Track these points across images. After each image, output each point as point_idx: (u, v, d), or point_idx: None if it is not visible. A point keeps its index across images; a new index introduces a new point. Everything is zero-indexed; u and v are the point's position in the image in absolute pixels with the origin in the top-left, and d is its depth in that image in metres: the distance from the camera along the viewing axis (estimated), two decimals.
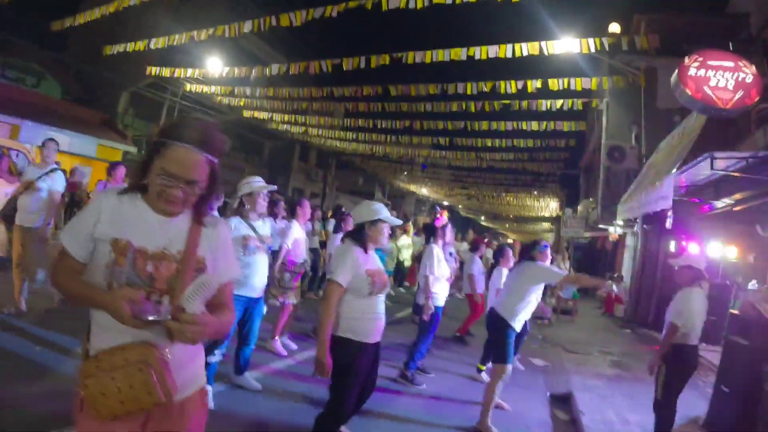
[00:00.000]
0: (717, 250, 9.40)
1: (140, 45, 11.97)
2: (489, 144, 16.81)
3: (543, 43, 8.97)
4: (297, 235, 6.17)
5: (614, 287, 14.07)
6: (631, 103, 12.47)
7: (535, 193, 27.93)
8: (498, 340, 5.10)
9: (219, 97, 18.38)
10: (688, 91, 6.40)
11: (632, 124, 12.61)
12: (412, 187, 36.64)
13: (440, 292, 6.19)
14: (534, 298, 5.18)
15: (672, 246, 10.81)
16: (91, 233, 1.71)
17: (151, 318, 1.58)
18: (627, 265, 14.43)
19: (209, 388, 4.00)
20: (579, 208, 19.23)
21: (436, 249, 6.28)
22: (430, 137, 18.66)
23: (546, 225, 39.13)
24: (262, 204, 4.61)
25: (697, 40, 7.42)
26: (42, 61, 20.28)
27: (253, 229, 4.52)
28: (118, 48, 12.78)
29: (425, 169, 29.19)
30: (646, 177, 9.42)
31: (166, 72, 15.49)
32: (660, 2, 11.95)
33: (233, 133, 26.39)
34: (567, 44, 8.96)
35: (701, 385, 6.85)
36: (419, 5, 8.12)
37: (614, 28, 12.05)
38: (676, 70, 6.60)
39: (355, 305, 3.39)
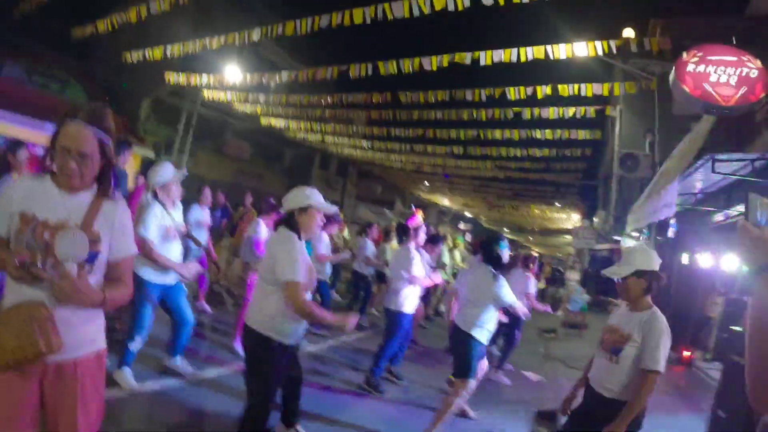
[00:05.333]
0: (732, 263, 8.83)
1: (157, 53, 12.07)
2: (504, 153, 16.47)
3: (548, 47, 8.63)
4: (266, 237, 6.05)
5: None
6: (646, 110, 11.96)
7: (557, 204, 27.38)
8: (461, 354, 4.76)
9: (236, 105, 18.47)
10: (686, 89, 5.95)
11: (646, 131, 12.13)
12: (434, 198, 36.34)
13: (411, 297, 5.89)
14: (496, 309, 4.81)
15: (685, 258, 10.27)
16: (8, 210, 2.00)
17: (31, 262, 1.87)
18: None
19: (127, 370, 4.32)
20: (595, 219, 18.66)
21: (413, 250, 5.99)
22: (444, 146, 18.38)
23: (569, 238, 38.36)
24: (176, 191, 4.67)
25: (716, 43, 6.94)
26: (67, 67, 20.73)
27: (171, 218, 4.60)
28: (137, 56, 12.94)
29: (448, 178, 28.96)
30: (656, 185, 8.96)
31: (183, 79, 15.65)
32: (677, 5, 11.47)
33: (253, 140, 26.57)
34: (574, 48, 8.57)
35: (706, 410, 6.38)
36: (425, 12, 7.89)
37: (628, 33, 11.60)
38: (674, 67, 6.18)
39: (285, 306, 3.13)
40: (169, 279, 4.55)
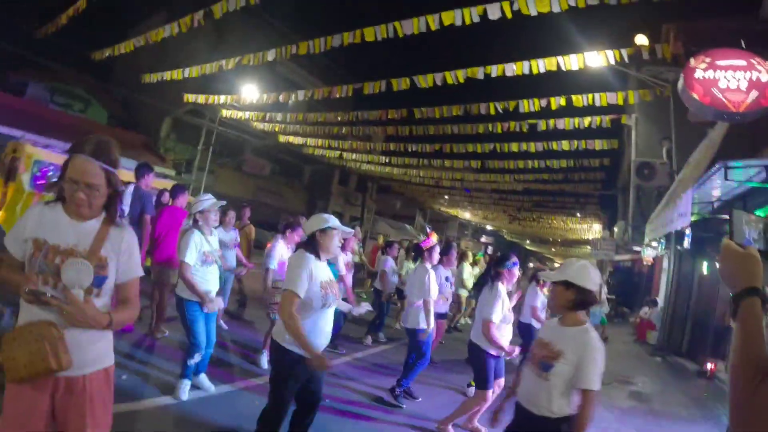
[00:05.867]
0: None
1: (176, 74, 12.30)
2: (521, 166, 16.43)
3: (560, 59, 8.60)
4: (282, 255, 6.16)
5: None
6: (662, 118, 11.77)
7: (578, 215, 27.10)
8: (476, 366, 5.05)
9: (255, 123, 18.72)
10: (695, 96, 5.84)
11: (663, 139, 11.93)
12: (454, 212, 36.24)
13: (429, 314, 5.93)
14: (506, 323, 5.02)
15: (705, 268, 10.04)
16: (23, 236, 2.16)
17: (41, 291, 2.00)
18: (663, 289, 13.56)
19: (187, 381, 4.71)
20: (615, 229, 18.39)
21: (430, 271, 6.02)
22: (462, 160, 18.39)
23: (590, 249, 37.87)
24: (214, 219, 5.05)
25: (729, 46, 6.81)
26: (89, 88, 21.29)
27: (209, 243, 4.94)
28: (156, 76, 13.19)
29: (468, 192, 28.90)
30: (673, 194, 8.82)
31: (201, 99, 15.91)
32: (689, 9, 11.25)
33: (272, 157, 26.85)
34: (586, 58, 8.52)
35: (726, 423, 6.20)
36: (432, 28, 7.93)
37: (641, 39, 11.46)
38: (682, 75, 6.09)
39: (305, 320, 3.35)
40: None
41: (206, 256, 4.84)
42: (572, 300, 2.94)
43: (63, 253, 2.10)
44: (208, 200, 5.01)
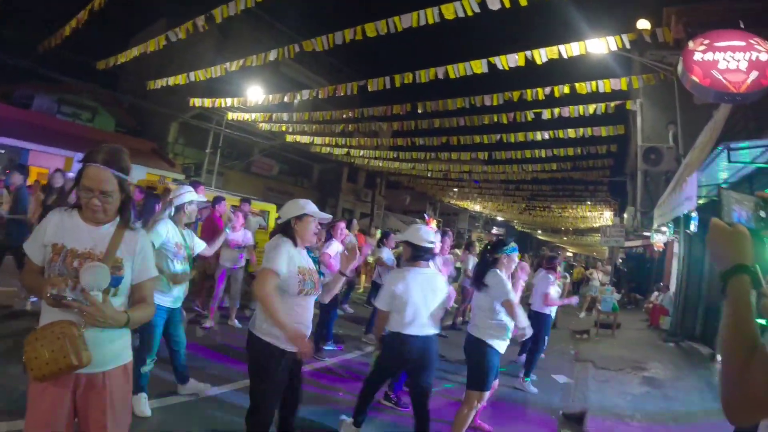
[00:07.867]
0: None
1: (180, 79, 12.37)
2: (529, 155, 16.41)
3: (562, 47, 8.58)
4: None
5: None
6: (667, 102, 11.66)
7: (588, 203, 26.98)
8: (475, 364, 4.43)
9: (261, 124, 18.80)
10: (695, 78, 5.82)
11: (669, 123, 11.83)
12: (464, 204, 36.23)
13: None
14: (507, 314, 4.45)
15: None
16: (42, 242, 2.26)
17: (62, 295, 2.08)
18: (675, 274, 13.48)
19: (143, 395, 4.25)
20: (625, 215, 18.31)
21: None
22: (469, 152, 18.40)
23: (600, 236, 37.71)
24: (188, 215, 4.72)
25: (729, 27, 6.74)
26: (95, 97, 21.52)
27: (182, 236, 4.59)
28: (161, 82, 13.27)
29: (478, 184, 28.94)
30: (680, 178, 8.77)
31: (207, 103, 16.01)
32: None
33: (280, 157, 26.97)
34: (587, 45, 8.48)
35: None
36: (431, 21, 7.95)
37: (643, 24, 11.35)
38: (681, 58, 6.07)
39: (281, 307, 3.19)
40: (174, 303, 4.52)
41: (177, 248, 4.45)
42: (410, 252, 4.16)
43: (81, 257, 2.21)
44: (185, 194, 4.67)
